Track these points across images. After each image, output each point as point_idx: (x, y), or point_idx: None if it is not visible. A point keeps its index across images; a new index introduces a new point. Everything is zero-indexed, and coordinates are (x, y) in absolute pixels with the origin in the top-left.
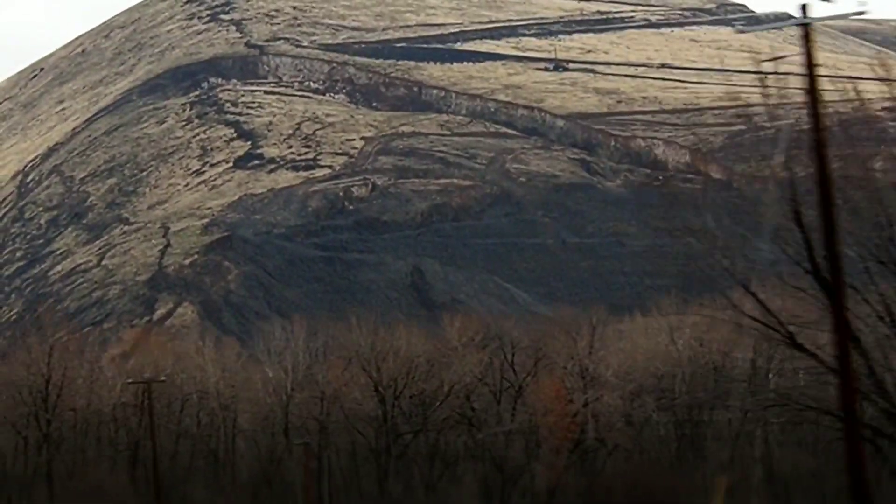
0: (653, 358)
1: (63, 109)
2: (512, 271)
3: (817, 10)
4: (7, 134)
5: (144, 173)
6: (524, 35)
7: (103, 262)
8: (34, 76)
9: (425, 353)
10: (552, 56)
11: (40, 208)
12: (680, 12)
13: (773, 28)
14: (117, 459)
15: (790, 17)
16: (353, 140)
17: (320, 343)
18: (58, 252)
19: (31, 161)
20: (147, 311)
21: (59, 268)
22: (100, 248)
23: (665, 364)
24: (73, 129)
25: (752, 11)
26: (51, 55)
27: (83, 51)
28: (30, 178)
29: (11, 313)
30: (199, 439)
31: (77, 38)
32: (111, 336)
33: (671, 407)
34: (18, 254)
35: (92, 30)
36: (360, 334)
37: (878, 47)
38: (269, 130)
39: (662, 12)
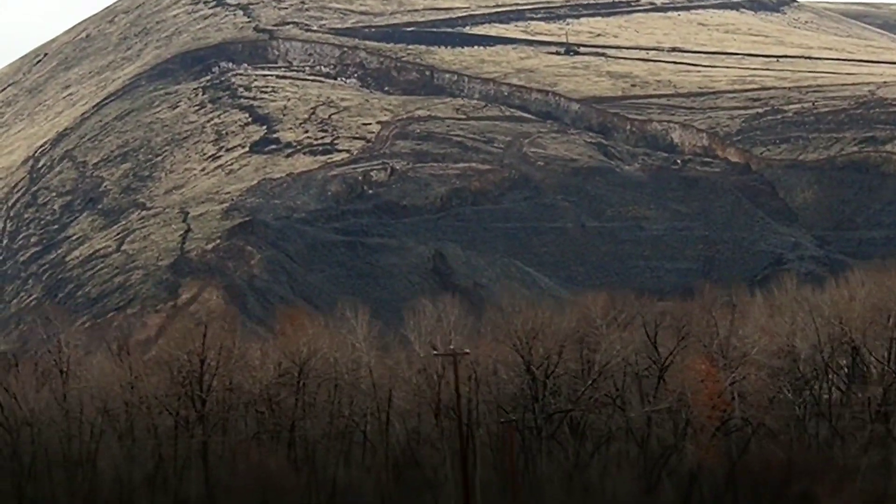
0: (792, 336)
1: (70, 95)
2: (532, 255)
3: None
4: (13, 119)
5: (159, 158)
6: (532, 19)
7: (123, 248)
8: (38, 61)
9: (571, 333)
10: (562, 40)
11: (53, 193)
12: None
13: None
14: (272, 439)
15: (793, 0)
16: (370, 124)
17: (470, 322)
18: (74, 237)
19: (41, 146)
20: (171, 296)
21: (76, 253)
22: (118, 234)
23: (804, 342)
24: (82, 114)
25: None
26: (53, 41)
27: (87, 36)
28: (41, 163)
29: (30, 299)
30: (351, 419)
31: (80, 24)
32: (136, 321)
33: (811, 386)
34: (33, 239)
35: (95, 15)
36: (511, 313)
37: (881, 31)
38: (283, 115)
39: None
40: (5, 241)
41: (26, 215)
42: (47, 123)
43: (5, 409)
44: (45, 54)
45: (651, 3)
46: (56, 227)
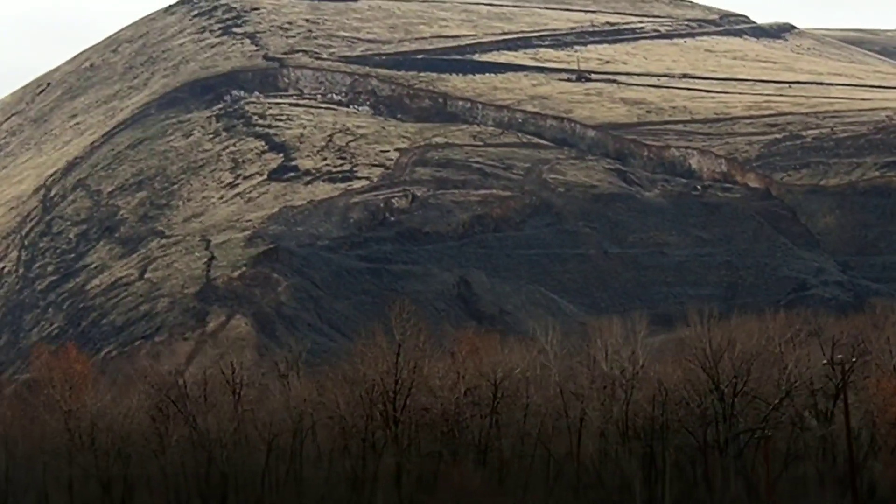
0: None
1: (77, 124)
2: (556, 282)
3: (810, 21)
4: (20, 149)
5: (175, 186)
6: (540, 46)
7: (146, 276)
8: (41, 91)
9: (756, 351)
10: (572, 67)
11: (68, 222)
12: (686, 23)
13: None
14: (462, 460)
15: (793, 27)
16: (388, 151)
17: (658, 340)
18: (92, 266)
19: (52, 175)
20: (199, 323)
21: (96, 282)
22: (139, 262)
23: None
24: (92, 143)
25: (754, 22)
26: (55, 70)
27: (91, 65)
28: (53, 192)
29: (52, 328)
30: (539, 440)
31: (83, 53)
32: (164, 349)
33: None
34: (50, 268)
35: (98, 44)
36: (697, 331)
37: (881, 57)
38: (300, 142)
39: (670, 23)
40: (21, 270)
41: (41, 244)
42: (56, 153)
43: (172, 430)
44: (49, 84)
45: (656, 31)
46: (73, 255)
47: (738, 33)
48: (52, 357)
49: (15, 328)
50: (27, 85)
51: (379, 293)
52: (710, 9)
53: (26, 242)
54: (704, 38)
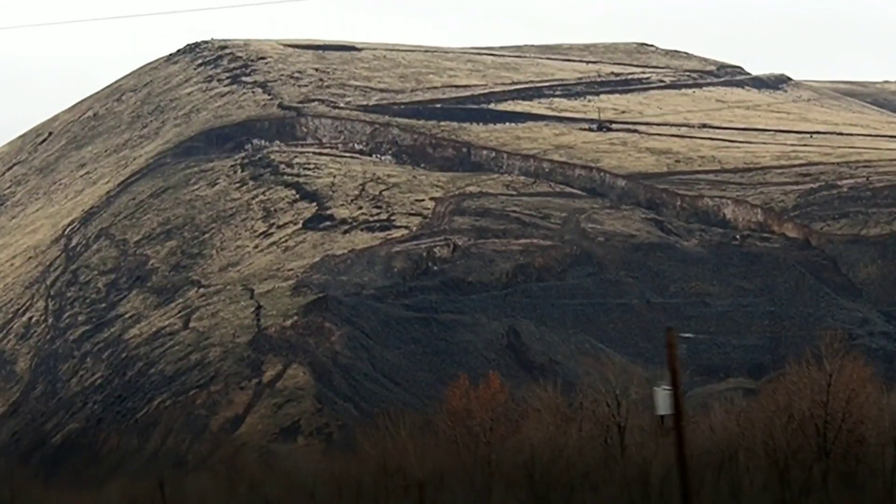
0: None
1: (87, 173)
2: (601, 332)
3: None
4: (27, 198)
5: (206, 235)
6: (552, 96)
7: (191, 325)
8: (42, 140)
9: None
10: (589, 116)
11: (95, 272)
12: (687, 74)
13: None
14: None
15: (788, 78)
16: (423, 200)
17: None
18: (127, 316)
19: (70, 225)
20: (255, 373)
21: (135, 331)
22: (180, 311)
23: None
24: (108, 192)
25: (750, 73)
26: (55, 119)
27: (95, 114)
28: (74, 241)
29: (94, 377)
30: None
31: (83, 102)
32: (221, 399)
33: None
34: (81, 318)
35: (98, 93)
36: None
37: (875, 108)
38: (332, 191)
39: (672, 74)
40: (50, 320)
41: (69, 294)
42: (68, 202)
43: (389, 471)
44: (50, 133)
45: (661, 81)
46: (104, 305)
47: (738, 84)
48: (473, 389)
49: (51, 378)
50: (25, 134)
51: (429, 342)
52: (706, 59)
53: (52, 292)
54: (711, 88)
